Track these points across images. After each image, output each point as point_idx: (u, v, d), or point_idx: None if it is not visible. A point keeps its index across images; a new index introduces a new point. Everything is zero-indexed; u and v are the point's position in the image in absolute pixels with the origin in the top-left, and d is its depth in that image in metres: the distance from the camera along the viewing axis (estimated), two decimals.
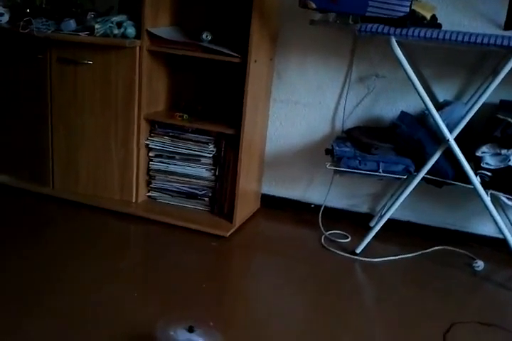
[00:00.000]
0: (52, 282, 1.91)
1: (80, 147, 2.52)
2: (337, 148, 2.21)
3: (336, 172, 2.26)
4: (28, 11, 2.45)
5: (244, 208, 2.51)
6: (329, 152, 2.24)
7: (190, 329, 1.54)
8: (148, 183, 2.56)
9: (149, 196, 2.59)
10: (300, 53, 2.49)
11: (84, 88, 2.42)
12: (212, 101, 2.59)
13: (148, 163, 2.53)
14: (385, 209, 2.33)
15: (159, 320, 1.63)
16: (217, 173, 2.44)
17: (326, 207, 2.50)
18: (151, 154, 2.51)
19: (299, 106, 2.56)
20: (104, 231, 2.35)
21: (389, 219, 2.25)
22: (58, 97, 2.48)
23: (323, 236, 2.41)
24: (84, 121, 2.47)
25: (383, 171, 2.14)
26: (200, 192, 2.48)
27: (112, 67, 2.36)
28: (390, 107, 2.43)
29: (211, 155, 2.42)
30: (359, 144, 2.22)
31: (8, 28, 2.43)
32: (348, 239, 2.42)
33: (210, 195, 2.48)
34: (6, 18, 2.48)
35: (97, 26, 2.31)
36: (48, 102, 2.49)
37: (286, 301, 1.93)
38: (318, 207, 2.55)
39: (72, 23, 2.36)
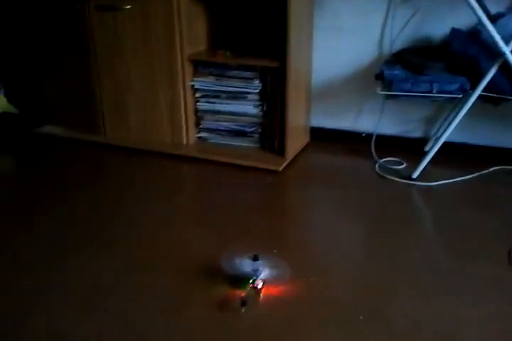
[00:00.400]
0: (113, 224, 1.96)
1: (127, 93, 2.53)
2: (387, 71, 2.14)
3: (387, 97, 2.21)
4: None
5: (295, 142, 2.50)
6: (379, 77, 2.17)
7: (255, 258, 1.59)
8: (197, 124, 2.57)
9: (199, 137, 2.60)
10: None
11: (125, 34, 2.40)
12: (254, 37, 2.53)
13: (196, 104, 2.53)
14: (440, 132, 2.27)
15: (224, 251, 1.69)
16: (264, 109, 2.42)
17: (377, 135, 2.47)
18: (197, 95, 2.50)
19: (343, 32, 2.47)
20: (159, 173, 2.39)
21: (444, 143, 2.19)
22: (100, 45, 2.47)
23: (377, 164, 2.39)
24: (128, 67, 2.47)
25: (437, 92, 2.07)
26: (250, 129, 2.48)
27: (150, 10, 2.32)
28: (439, 25, 2.31)
29: (257, 91, 2.38)
30: (410, 66, 2.14)
31: None
32: (403, 165, 2.39)
33: (259, 131, 2.47)
34: None
35: None
36: (90, 51, 2.50)
37: (346, 229, 1.95)
38: (369, 136, 2.52)
39: None
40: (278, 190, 2.27)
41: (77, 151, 2.62)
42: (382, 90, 2.15)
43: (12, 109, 2.78)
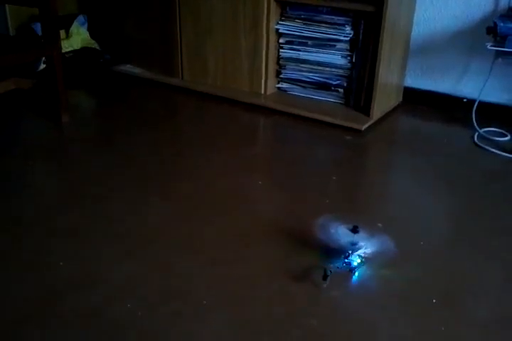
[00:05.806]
0: (178, 167, 1.86)
1: (207, 35, 2.37)
2: (501, 24, 1.82)
3: (497, 55, 1.89)
4: None
5: (384, 101, 2.23)
6: (491, 30, 1.86)
7: (355, 230, 1.34)
8: (278, 74, 2.37)
9: (279, 88, 2.40)
10: None
11: None
12: None
13: (278, 51, 2.32)
14: None
15: (291, 211, 1.51)
16: (354, 60, 2.17)
17: (481, 102, 2.14)
18: (281, 40, 2.29)
19: None
20: (232, 121, 2.24)
21: None
22: None
23: (476, 134, 2.09)
24: (212, 7, 2.30)
25: None
26: (334, 82, 2.24)
27: None
28: None
29: (348, 39, 2.13)
30: None
31: None
32: (507, 138, 2.08)
33: (345, 85, 2.23)
34: None
35: None
36: None
37: (435, 202, 1.69)
38: (471, 101, 2.20)
39: None
40: (357, 151, 2.04)
41: (152, 92, 2.52)
42: (493, 45, 1.83)
43: (94, 44, 2.70)
